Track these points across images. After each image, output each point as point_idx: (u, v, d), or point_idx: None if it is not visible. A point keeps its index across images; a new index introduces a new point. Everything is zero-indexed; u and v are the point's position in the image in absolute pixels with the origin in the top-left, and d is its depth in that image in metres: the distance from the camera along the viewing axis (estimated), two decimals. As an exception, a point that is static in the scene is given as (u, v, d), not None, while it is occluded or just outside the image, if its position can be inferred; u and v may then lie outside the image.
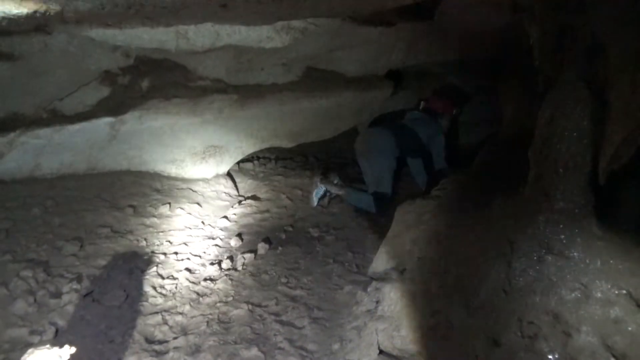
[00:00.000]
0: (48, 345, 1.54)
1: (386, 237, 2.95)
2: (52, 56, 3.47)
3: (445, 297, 2.11)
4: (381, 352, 2.27)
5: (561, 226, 1.93)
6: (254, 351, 2.53)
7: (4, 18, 1.40)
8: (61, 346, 1.56)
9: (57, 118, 3.90)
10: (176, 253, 3.47)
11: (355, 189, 4.51)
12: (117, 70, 3.92)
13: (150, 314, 2.83)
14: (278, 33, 3.36)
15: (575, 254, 1.88)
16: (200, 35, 3.25)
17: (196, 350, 2.55)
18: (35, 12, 1.42)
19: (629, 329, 1.62)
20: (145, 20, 1.68)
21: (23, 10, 1.38)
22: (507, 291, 1.95)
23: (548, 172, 1.93)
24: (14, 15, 1.39)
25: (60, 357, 1.52)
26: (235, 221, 4.07)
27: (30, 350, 1.51)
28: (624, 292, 1.74)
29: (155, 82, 4.06)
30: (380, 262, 2.93)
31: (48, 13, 1.43)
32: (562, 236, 1.93)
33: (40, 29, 1.57)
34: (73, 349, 1.59)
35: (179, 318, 2.81)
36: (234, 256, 3.49)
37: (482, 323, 1.92)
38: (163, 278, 3.17)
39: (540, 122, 1.95)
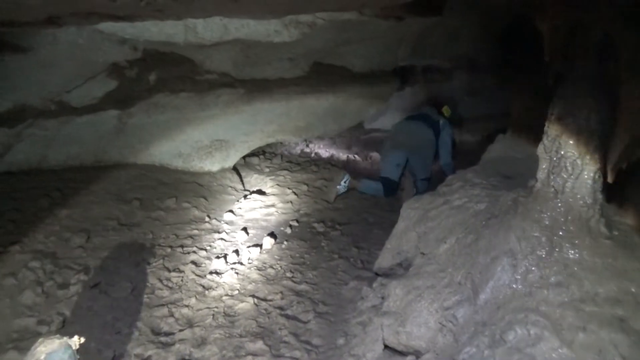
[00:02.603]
0: (58, 335, 1.55)
1: (392, 233, 2.95)
2: (61, 48, 3.49)
3: (452, 294, 2.12)
4: (386, 347, 2.28)
5: (568, 225, 1.93)
6: (259, 344, 2.54)
7: (16, 6, 1.41)
8: (70, 336, 1.58)
9: (65, 110, 3.92)
10: (182, 246, 3.49)
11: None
12: (125, 63, 3.93)
13: (157, 306, 2.85)
14: (286, 27, 3.35)
15: (582, 252, 1.88)
16: (209, 28, 3.26)
17: (202, 342, 2.57)
18: (47, 1, 1.43)
19: (635, 328, 1.62)
20: (156, 13, 1.68)
21: (36, 0, 1.39)
22: (513, 289, 1.95)
23: (557, 170, 1.93)
24: (26, 3, 1.40)
25: (70, 346, 1.54)
26: (241, 215, 4.09)
27: (40, 340, 1.52)
28: (631, 291, 1.74)
29: (163, 75, 4.07)
30: (386, 257, 2.93)
31: (60, 3, 1.44)
32: (569, 235, 1.92)
33: (51, 21, 1.58)
34: (82, 340, 1.60)
35: (185, 310, 2.82)
36: (239, 250, 3.51)
37: (488, 320, 1.93)
38: (169, 271, 3.18)
39: (550, 119, 1.94)
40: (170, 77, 4.10)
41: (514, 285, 1.94)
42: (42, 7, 1.46)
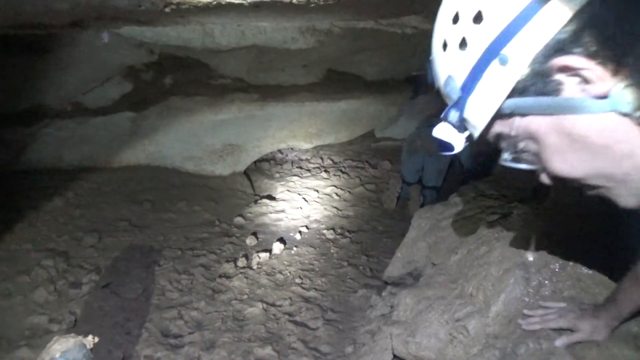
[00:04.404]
0: (73, 334, 1.57)
1: (402, 242, 2.95)
2: (79, 50, 3.55)
3: (463, 305, 2.11)
4: (395, 357, 2.27)
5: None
6: (268, 350, 2.55)
7: (45, 12, 1.44)
8: (85, 336, 1.59)
9: (81, 111, 3.98)
10: (192, 249, 3.51)
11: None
12: (141, 66, 3.99)
13: (166, 308, 2.86)
14: (303, 35, 3.38)
15: (594, 268, 1.87)
16: (226, 34, 3.29)
17: (211, 346, 2.57)
18: (75, 6, 1.46)
19: (650, 345, 1.61)
20: (179, 19, 1.71)
21: (64, 5, 1.42)
22: (525, 302, 1.94)
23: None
24: (55, 9, 1.43)
25: (85, 346, 1.55)
26: (251, 220, 4.10)
27: (55, 338, 1.54)
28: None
29: (178, 79, 4.12)
30: (396, 266, 2.92)
31: (87, 8, 1.47)
32: (582, 249, 1.92)
33: (76, 24, 1.62)
34: (96, 339, 1.62)
35: (194, 313, 2.84)
36: (249, 254, 3.52)
37: (500, 333, 1.92)
38: (179, 273, 3.20)
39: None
40: (185, 81, 4.15)
41: (526, 299, 1.93)
42: (69, 12, 1.50)
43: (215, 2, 1.49)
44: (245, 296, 3.04)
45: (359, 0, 1.68)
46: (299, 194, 4.65)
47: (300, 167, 5.37)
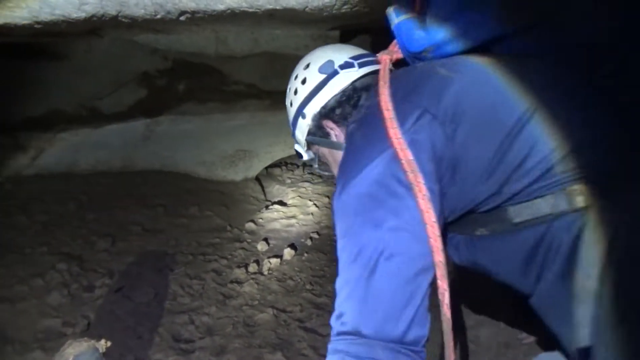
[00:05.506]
0: (86, 338, 1.58)
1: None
2: (95, 57, 3.60)
3: (474, 314, 2.10)
4: (406, 365, 2.26)
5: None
6: (278, 356, 2.55)
7: (63, 21, 1.47)
8: (98, 339, 1.61)
9: (96, 116, 4.03)
10: (204, 254, 3.53)
11: None
12: (155, 72, 4.03)
13: (178, 312, 2.88)
14: (315, 42, 3.40)
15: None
16: (240, 41, 3.32)
17: (221, 351, 2.58)
18: (92, 16, 1.49)
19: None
20: (194, 27, 1.74)
21: (81, 14, 1.45)
22: (534, 309, 1.92)
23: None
24: (72, 19, 1.46)
25: (97, 350, 1.57)
26: (262, 225, 4.11)
27: (68, 342, 1.56)
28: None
29: (191, 85, 4.16)
30: (407, 274, 2.91)
31: (104, 18, 1.50)
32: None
33: (94, 32, 1.65)
34: (109, 343, 1.63)
35: (205, 318, 2.85)
36: (260, 260, 3.53)
37: (511, 341, 1.91)
38: (191, 278, 3.22)
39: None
40: (198, 87, 4.19)
41: (535, 306, 1.91)
42: (86, 21, 1.53)
43: (229, 11, 1.51)
44: (256, 302, 3.05)
45: (372, 9, 1.69)
46: (310, 200, 4.66)
47: (312, 173, 5.38)
